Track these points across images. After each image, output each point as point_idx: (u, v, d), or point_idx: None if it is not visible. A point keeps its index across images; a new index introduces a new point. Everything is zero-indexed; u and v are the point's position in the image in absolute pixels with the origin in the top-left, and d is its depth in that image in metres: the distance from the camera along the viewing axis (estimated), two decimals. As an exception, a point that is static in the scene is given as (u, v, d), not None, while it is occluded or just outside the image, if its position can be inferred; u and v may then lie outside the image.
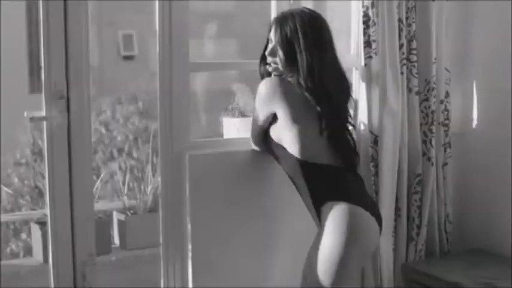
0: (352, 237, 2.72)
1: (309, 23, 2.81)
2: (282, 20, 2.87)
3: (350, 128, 3.01)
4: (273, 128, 2.94)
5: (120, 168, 6.56)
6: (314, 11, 2.92)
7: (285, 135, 2.88)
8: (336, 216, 2.75)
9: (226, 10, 10.11)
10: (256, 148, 3.13)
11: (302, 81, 2.80)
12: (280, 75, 2.92)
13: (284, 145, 2.90)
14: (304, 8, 2.95)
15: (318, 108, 2.80)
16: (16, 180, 7.58)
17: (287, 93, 2.84)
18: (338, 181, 2.84)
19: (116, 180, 5.67)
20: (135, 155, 7.61)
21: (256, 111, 2.95)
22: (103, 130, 8.27)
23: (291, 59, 2.83)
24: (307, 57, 2.79)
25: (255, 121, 3.00)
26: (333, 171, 2.85)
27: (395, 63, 3.42)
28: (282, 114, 2.85)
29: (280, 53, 2.86)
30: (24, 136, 7.99)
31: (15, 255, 6.71)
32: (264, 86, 2.89)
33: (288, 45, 2.83)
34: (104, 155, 7.97)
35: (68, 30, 2.93)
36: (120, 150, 7.94)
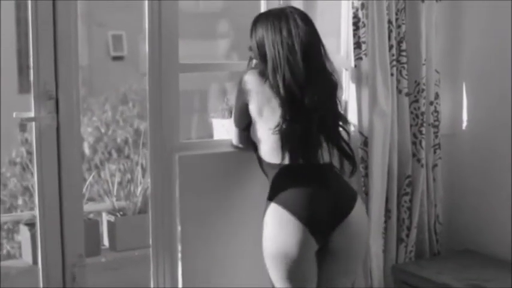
0: (269, 236, 2.81)
1: (285, 22, 2.83)
2: (258, 18, 2.93)
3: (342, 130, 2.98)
4: (252, 127, 2.98)
5: (114, 169, 6.56)
6: (295, 9, 2.91)
7: (256, 131, 2.93)
8: (264, 214, 2.83)
9: (217, 10, 10.11)
10: (236, 138, 3.13)
11: (270, 78, 2.83)
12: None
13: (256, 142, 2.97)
14: (289, 6, 2.97)
15: (279, 106, 2.81)
16: (13, 180, 7.55)
17: (259, 87, 2.87)
18: (284, 181, 2.85)
19: (105, 180, 5.66)
20: (132, 156, 7.61)
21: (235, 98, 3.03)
22: (102, 130, 8.27)
23: (263, 57, 2.88)
24: (274, 56, 2.81)
25: (235, 105, 3.04)
26: (288, 171, 2.85)
27: (385, 65, 3.42)
28: (252, 107, 2.90)
29: (255, 50, 2.92)
30: (19, 135, 7.97)
31: (11, 256, 6.70)
32: (242, 78, 2.95)
33: (260, 43, 2.88)
34: (103, 155, 7.98)
35: (57, 30, 2.91)
36: (119, 152, 7.95)
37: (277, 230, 2.78)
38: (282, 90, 2.80)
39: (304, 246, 2.76)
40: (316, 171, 2.86)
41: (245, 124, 3.03)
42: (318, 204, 2.79)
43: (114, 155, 7.88)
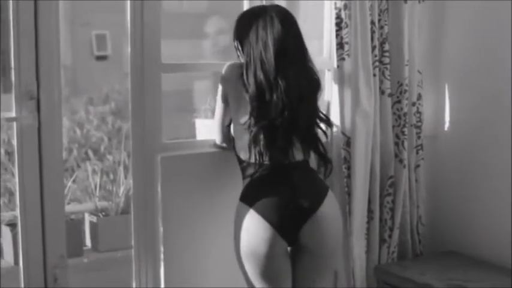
0: (236, 234, 2.88)
1: (262, 21, 2.84)
2: (240, 17, 2.97)
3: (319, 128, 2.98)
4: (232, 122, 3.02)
5: (94, 170, 6.52)
6: (275, 8, 2.93)
7: (233, 126, 2.98)
8: (242, 217, 2.87)
9: (202, 10, 10.10)
10: (219, 137, 3.14)
11: (244, 75, 2.85)
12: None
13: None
14: (271, 5, 3.01)
15: (249, 102, 2.83)
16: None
17: (236, 80, 2.90)
18: (255, 182, 2.88)
19: (88, 181, 5.62)
20: (108, 156, 7.56)
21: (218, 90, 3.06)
22: (77, 130, 8.22)
23: (243, 54, 2.92)
24: (248, 53, 2.85)
25: (219, 94, 3.06)
26: (258, 171, 2.88)
27: (367, 65, 3.43)
28: (230, 99, 2.95)
29: (237, 47, 2.96)
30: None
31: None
32: (224, 68, 3.00)
33: (240, 41, 2.92)
34: (79, 155, 7.92)
35: (39, 29, 2.89)
36: (95, 151, 7.89)
37: (250, 231, 2.83)
38: (252, 87, 2.81)
39: (272, 243, 2.80)
40: (282, 171, 2.88)
41: (229, 119, 3.05)
42: (285, 207, 2.82)
43: (91, 155, 7.83)
